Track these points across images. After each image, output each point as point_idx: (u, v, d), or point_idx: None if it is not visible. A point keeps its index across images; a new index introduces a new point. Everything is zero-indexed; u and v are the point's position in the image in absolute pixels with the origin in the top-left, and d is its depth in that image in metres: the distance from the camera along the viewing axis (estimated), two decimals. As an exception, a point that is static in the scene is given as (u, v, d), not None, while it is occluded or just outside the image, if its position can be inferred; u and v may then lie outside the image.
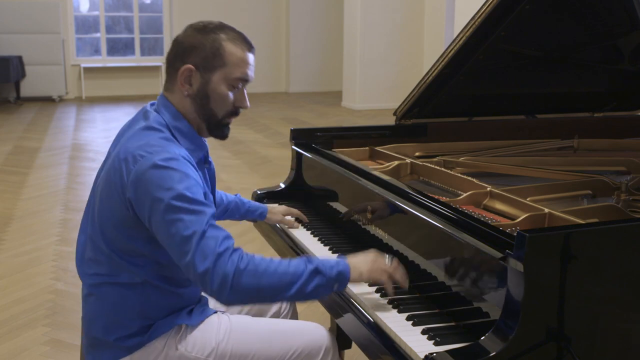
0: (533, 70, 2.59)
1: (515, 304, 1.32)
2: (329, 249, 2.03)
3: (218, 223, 1.55)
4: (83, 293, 1.71)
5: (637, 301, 1.42)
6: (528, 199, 1.81)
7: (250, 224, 2.56)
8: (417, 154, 2.52)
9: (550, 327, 1.34)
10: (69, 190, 5.74)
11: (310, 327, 1.80)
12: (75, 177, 6.23)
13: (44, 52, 11.29)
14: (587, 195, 2.03)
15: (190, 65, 1.63)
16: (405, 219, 1.79)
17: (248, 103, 1.73)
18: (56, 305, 3.37)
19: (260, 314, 1.94)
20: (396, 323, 1.53)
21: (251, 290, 1.48)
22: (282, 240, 2.21)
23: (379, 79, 10.81)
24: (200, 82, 1.65)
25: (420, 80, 2.45)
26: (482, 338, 1.34)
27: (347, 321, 1.66)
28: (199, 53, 1.63)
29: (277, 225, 2.28)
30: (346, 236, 2.12)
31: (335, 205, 2.23)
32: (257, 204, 2.26)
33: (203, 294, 1.76)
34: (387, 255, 1.64)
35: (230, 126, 1.75)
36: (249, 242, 4.26)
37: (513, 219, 1.71)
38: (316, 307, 2.84)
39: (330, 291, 1.57)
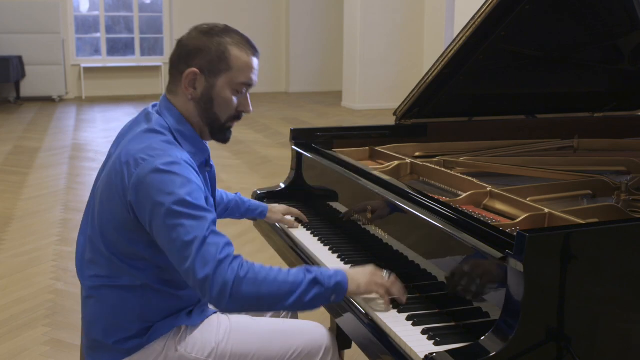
0: (533, 70, 2.59)
1: (515, 304, 1.32)
2: (329, 249, 2.03)
3: (219, 222, 1.55)
4: (82, 295, 1.71)
5: (637, 301, 1.42)
6: (528, 199, 1.81)
7: (250, 224, 2.57)
8: (417, 154, 2.52)
9: (550, 327, 1.34)
10: (69, 190, 5.74)
11: (310, 327, 1.80)
12: (75, 177, 6.23)
13: (44, 52, 11.29)
14: (587, 195, 2.03)
15: (195, 69, 1.62)
16: (405, 219, 1.79)
17: (251, 108, 1.73)
18: (56, 305, 3.37)
19: (260, 314, 1.94)
20: (396, 323, 1.53)
21: (250, 299, 1.47)
22: (282, 240, 2.21)
23: (379, 79, 10.81)
24: (205, 85, 1.64)
25: (420, 80, 2.45)
26: (482, 338, 1.34)
27: (347, 321, 1.66)
28: (204, 56, 1.62)
29: (277, 225, 2.28)
30: (346, 236, 2.12)
31: (335, 205, 2.23)
32: (258, 202, 2.26)
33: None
34: (385, 271, 1.64)
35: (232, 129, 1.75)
36: (249, 242, 4.26)
37: (513, 219, 1.71)
38: (316, 307, 2.84)
39: (327, 302, 1.56)
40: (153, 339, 1.64)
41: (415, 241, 1.75)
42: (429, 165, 2.22)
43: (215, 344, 1.68)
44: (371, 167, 2.18)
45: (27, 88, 11.30)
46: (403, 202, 1.79)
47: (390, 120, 2.69)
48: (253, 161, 6.85)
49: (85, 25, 12.56)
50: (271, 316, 1.96)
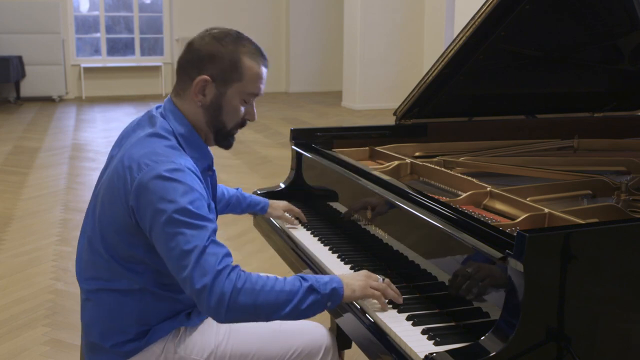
0: (533, 70, 2.59)
1: (516, 304, 1.32)
2: (329, 249, 2.03)
3: (220, 217, 1.54)
4: (81, 297, 1.70)
5: (637, 301, 1.42)
6: (528, 199, 1.81)
7: (250, 224, 2.57)
8: (417, 154, 2.52)
9: (550, 327, 1.34)
10: (69, 190, 5.74)
11: (310, 327, 1.80)
12: (75, 177, 6.23)
13: (44, 52, 11.29)
14: (587, 195, 2.03)
15: (206, 77, 1.61)
16: (405, 219, 1.79)
17: (256, 116, 1.73)
18: (56, 305, 3.37)
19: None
20: (396, 323, 1.53)
21: (248, 309, 1.46)
22: (282, 240, 2.21)
23: (379, 79, 10.81)
24: (215, 93, 1.63)
25: (420, 80, 2.45)
26: (482, 338, 1.34)
27: (347, 321, 1.66)
28: (217, 64, 1.61)
29: (277, 225, 2.28)
30: (346, 236, 2.12)
31: (335, 205, 2.23)
32: (259, 197, 2.26)
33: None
34: (379, 276, 1.63)
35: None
36: (249, 242, 4.26)
37: (513, 219, 1.71)
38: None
39: (324, 309, 1.55)
40: (152, 342, 1.64)
41: (415, 241, 1.75)
42: (429, 165, 2.22)
43: (214, 345, 1.68)
44: (371, 167, 2.18)
45: (27, 88, 11.30)
46: (403, 202, 1.79)
47: (390, 120, 2.69)
48: (253, 161, 6.85)
49: (85, 25, 12.56)
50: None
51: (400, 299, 1.61)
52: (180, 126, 1.63)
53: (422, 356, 1.37)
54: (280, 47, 13.21)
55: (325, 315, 1.72)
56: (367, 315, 1.60)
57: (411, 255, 1.75)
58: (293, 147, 2.53)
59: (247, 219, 2.35)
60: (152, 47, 12.99)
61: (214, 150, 1.75)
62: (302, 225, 2.25)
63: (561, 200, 1.97)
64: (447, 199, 1.88)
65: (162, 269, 1.57)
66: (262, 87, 1.67)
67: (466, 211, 1.71)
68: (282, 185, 2.54)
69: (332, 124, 9.25)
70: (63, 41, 11.58)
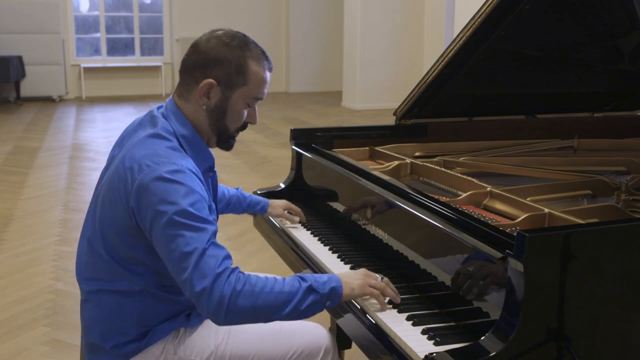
0: (533, 70, 2.59)
1: (515, 304, 1.32)
2: (329, 249, 2.03)
3: (220, 217, 1.54)
4: (81, 298, 1.70)
5: (637, 301, 1.42)
6: (528, 199, 1.81)
7: (250, 224, 2.57)
8: (417, 154, 2.52)
9: (550, 327, 1.34)
10: (69, 190, 5.74)
11: (310, 327, 1.80)
12: (75, 177, 6.23)
13: (44, 52, 11.29)
14: (587, 195, 2.03)
15: (212, 80, 1.60)
16: (405, 219, 1.79)
17: (257, 119, 1.73)
18: (56, 305, 3.37)
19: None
20: (396, 323, 1.53)
21: (247, 311, 1.45)
22: (282, 240, 2.21)
23: (379, 79, 10.81)
24: (220, 97, 1.62)
25: (420, 80, 2.45)
26: (482, 338, 1.34)
27: (347, 321, 1.66)
28: (223, 68, 1.60)
29: (277, 224, 2.28)
30: (346, 236, 2.12)
31: (335, 205, 2.23)
32: (259, 197, 2.26)
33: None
34: (377, 275, 1.63)
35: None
36: (248, 242, 4.26)
37: (513, 219, 1.71)
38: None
39: (323, 308, 1.54)
40: (151, 343, 1.64)
41: (415, 241, 1.75)
42: (429, 165, 2.22)
43: (214, 346, 1.67)
44: (371, 167, 2.18)
45: (27, 88, 11.30)
46: (403, 202, 1.79)
47: (390, 120, 2.69)
48: (253, 161, 6.85)
49: (85, 25, 12.56)
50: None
51: (398, 299, 1.61)
52: (181, 127, 1.63)
53: (422, 356, 1.37)
54: (280, 47, 13.21)
55: (325, 315, 1.72)
56: (367, 315, 1.60)
57: (411, 255, 1.75)
58: (293, 147, 2.53)
59: (247, 219, 2.35)
60: (152, 47, 13.00)
61: (214, 150, 1.75)
62: (302, 225, 2.25)
63: (561, 200, 1.97)
64: (447, 199, 1.88)
65: (162, 270, 1.56)
66: (266, 91, 1.68)
67: (466, 211, 1.71)
68: (282, 185, 2.54)
69: (332, 124, 9.25)
70: (63, 41, 11.58)
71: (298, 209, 2.27)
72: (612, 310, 1.41)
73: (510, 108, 2.77)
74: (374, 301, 1.61)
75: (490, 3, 2.13)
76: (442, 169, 2.20)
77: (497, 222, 1.68)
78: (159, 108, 1.70)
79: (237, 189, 2.22)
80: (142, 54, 12.86)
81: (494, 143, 2.60)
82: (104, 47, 12.52)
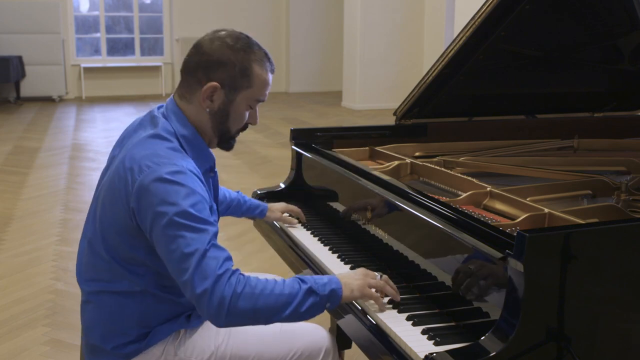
0: (533, 70, 2.59)
1: (516, 304, 1.32)
2: (329, 249, 2.03)
3: (220, 218, 1.53)
4: (82, 299, 1.70)
5: (637, 301, 1.42)
6: (528, 199, 1.81)
7: (250, 224, 2.56)
8: (417, 154, 2.52)
9: (550, 327, 1.34)
10: (69, 190, 5.74)
11: (310, 329, 1.80)
12: (75, 177, 6.23)
13: (44, 52, 11.29)
14: (587, 195, 2.03)
15: (216, 84, 1.59)
16: (405, 219, 1.79)
17: (258, 120, 1.72)
18: (56, 305, 3.37)
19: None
20: (396, 323, 1.53)
21: (247, 313, 1.45)
22: (282, 240, 2.21)
23: (379, 79, 10.81)
24: (223, 100, 1.62)
25: (420, 80, 2.45)
26: (482, 338, 1.34)
27: (347, 322, 1.66)
28: (227, 71, 1.59)
29: (277, 224, 2.28)
30: (346, 236, 2.12)
31: (335, 205, 2.23)
32: (258, 201, 2.26)
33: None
34: (376, 273, 1.63)
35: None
36: (249, 242, 4.26)
37: (513, 219, 1.71)
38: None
39: (322, 310, 1.54)
40: (152, 344, 1.64)
41: (415, 241, 1.75)
42: (429, 165, 2.22)
43: (214, 347, 1.67)
44: (371, 167, 2.18)
45: (27, 88, 11.30)
46: (403, 202, 1.79)
47: (390, 120, 2.69)
48: (253, 161, 6.85)
49: (85, 25, 12.56)
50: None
51: (398, 297, 1.61)
52: (182, 127, 1.62)
53: (422, 356, 1.37)
54: (280, 47, 13.21)
55: (325, 315, 1.72)
56: (367, 316, 1.60)
57: (411, 255, 1.75)
58: (293, 147, 2.53)
59: (246, 220, 2.35)
60: (152, 47, 13.00)
61: (215, 150, 1.75)
62: (302, 225, 2.25)
63: (561, 200, 1.97)
64: (447, 199, 1.88)
65: (163, 270, 1.56)
66: (267, 92, 1.68)
67: (466, 211, 1.71)
68: (282, 186, 2.54)
69: (332, 124, 9.25)
70: (63, 41, 11.59)
71: (297, 209, 2.27)
72: (612, 310, 1.41)
73: (510, 108, 2.77)
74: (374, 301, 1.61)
75: (490, 3, 2.13)
76: (442, 169, 2.20)
77: (497, 222, 1.68)
78: (159, 108, 1.69)
79: (237, 192, 2.22)
80: (142, 54, 12.86)
81: (494, 143, 2.60)
82: (104, 47, 12.52)
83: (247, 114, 1.67)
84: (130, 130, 1.69)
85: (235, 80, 1.60)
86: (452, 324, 1.53)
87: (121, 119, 9.63)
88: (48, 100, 11.53)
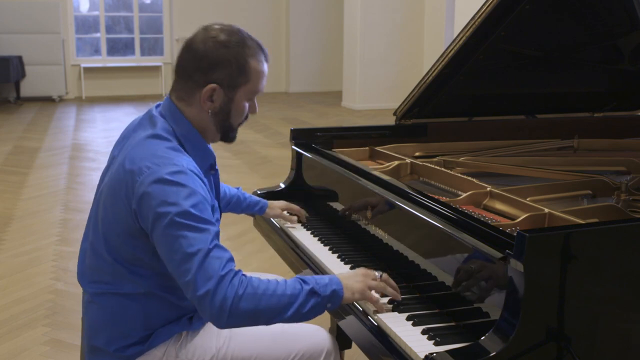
0: (533, 70, 2.59)
1: (516, 304, 1.32)
2: (329, 249, 2.03)
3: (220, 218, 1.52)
4: (84, 299, 1.69)
5: (637, 301, 1.42)
6: (528, 199, 1.81)
7: (250, 224, 2.57)
8: (417, 154, 2.52)
9: (550, 327, 1.34)
10: (69, 190, 5.74)
11: (311, 330, 1.79)
12: (75, 177, 6.23)
13: (44, 52, 11.29)
14: (587, 195, 2.03)
15: (215, 85, 1.58)
16: (405, 219, 1.79)
17: (257, 109, 1.72)
18: (56, 305, 3.37)
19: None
20: (396, 323, 1.53)
21: (249, 314, 1.45)
22: (282, 240, 2.21)
23: (379, 79, 10.81)
24: (223, 99, 1.61)
25: (420, 80, 2.45)
26: (482, 338, 1.34)
27: (348, 322, 1.66)
28: (224, 70, 1.58)
29: (277, 224, 2.28)
30: (346, 236, 2.12)
31: (335, 205, 2.23)
32: (258, 198, 2.26)
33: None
34: (376, 272, 1.63)
35: None
36: (249, 242, 4.26)
37: (513, 219, 1.71)
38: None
39: (324, 310, 1.54)
40: (153, 346, 1.63)
41: (415, 241, 1.75)
42: (429, 165, 2.22)
43: (215, 349, 1.67)
44: (371, 167, 2.18)
45: (27, 88, 11.30)
46: (403, 202, 1.79)
47: (390, 120, 2.69)
48: (253, 161, 6.85)
49: (85, 25, 12.56)
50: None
51: (399, 296, 1.61)
52: (180, 126, 1.62)
53: (422, 356, 1.37)
54: (280, 47, 13.21)
55: (326, 316, 1.72)
56: (368, 317, 1.60)
57: (411, 255, 1.75)
58: (293, 147, 2.53)
59: (247, 219, 2.35)
60: (152, 47, 13.00)
61: (215, 150, 1.75)
62: (301, 225, 2.25)
63: (561, 200, 1.97)
64: (447, 199, 1.88)
65: (166, 272, 1.55)
66: (265, 83, 1.67)
67: (466, 211, 1.71)
68: (282, 185, 2.54)
69: (332, 124, 9.25)
70: (63, 41, 11.59)
71: (297, 208, 2.27)
72: (612, 310, 1.41)
73: (510, 108, 2.77)
74: (381, 301, 1.61)
75: (490, 3, 2.13)
76: (442, 169, 2.20)
77: (497, 222, 1.68)
78: (157, 107, 1.69)
79: (237, 188, 2.22)
80: (142, 54, 12.86)
81: (494, 143, 2.60)
82: (104, 47, 12.52)
83: (247, 106, 1.67)
84: (129, 130, 1.69)
85: (233, 79, 1.60)
86: (452, 324, 1.53)
87: (121, 119, 9.63)
88: (48, 100, 11.53)
